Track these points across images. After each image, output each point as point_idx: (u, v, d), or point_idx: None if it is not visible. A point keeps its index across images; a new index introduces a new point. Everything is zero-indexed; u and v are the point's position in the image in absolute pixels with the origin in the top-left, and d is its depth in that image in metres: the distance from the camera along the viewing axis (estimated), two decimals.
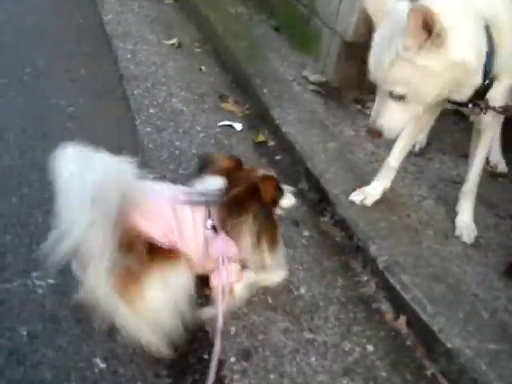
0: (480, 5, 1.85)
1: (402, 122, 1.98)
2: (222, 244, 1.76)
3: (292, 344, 1.88)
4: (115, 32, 3.85)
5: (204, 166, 1.85)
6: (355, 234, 2.28)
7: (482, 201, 2.50)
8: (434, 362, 1.86)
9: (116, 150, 2.64)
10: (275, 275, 2.02)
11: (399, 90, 1.85)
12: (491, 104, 2.00)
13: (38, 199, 2.27)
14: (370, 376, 1.81)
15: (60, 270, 1.93)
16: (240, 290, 1.87)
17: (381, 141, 2.61)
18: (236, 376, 1.75)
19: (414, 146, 2.82)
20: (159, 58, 3.61)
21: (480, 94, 1.97)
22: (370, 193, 2.41)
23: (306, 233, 2.38)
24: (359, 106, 3.17)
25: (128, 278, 1.61)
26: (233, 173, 1.81)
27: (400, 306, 2.01)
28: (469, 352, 1.78)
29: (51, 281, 1.93)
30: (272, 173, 1.99)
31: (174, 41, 3.85)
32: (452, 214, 2.43)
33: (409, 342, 1.94)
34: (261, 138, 2.93)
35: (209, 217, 1.77)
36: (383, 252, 2.15)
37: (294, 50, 3.65)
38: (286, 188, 1.96)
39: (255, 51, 3.57)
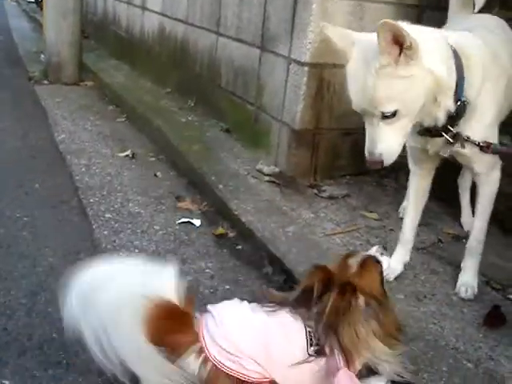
0: (450, 35, 1.98)
1: (399, 143, 1.92)
2: (349, 380, 1.45)
3: None
4: (69, 149, 3.88)
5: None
6: None
7: (448, 262, 2.51)
8: None
9: (73, 253, 2.63)
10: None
11: (390, 107, 1.82)
12: (469, 135, 2.02)
13: None
14: None
15: (15, 371, 1.84)
16: None
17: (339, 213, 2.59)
18: None
19: None
20: (114, 168, 3.63)
21: (453, 120, 2.00)
22: (392, 269, 2.33)
23: None
24: (315, 191, 3.21)
25: None
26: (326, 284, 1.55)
27: None
28: None
29: None
30: (368, 253, 1.71)
31: (128, 152, 3.90)
32: (421, 277, 2.41)
33: None
34: (221, 231, 2.90)
35: (310, 341, 1.53)
36: None
37: (246, 148, 3.74)
38: (378, 255, 1.71)
39: (208, 153, 3.64)
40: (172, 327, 1.45)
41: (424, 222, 2.84)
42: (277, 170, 3.35)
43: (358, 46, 1.88)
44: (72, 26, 5.80)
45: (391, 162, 1.94)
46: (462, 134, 2.03)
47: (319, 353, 1.50)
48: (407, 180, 2.46)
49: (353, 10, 3.16)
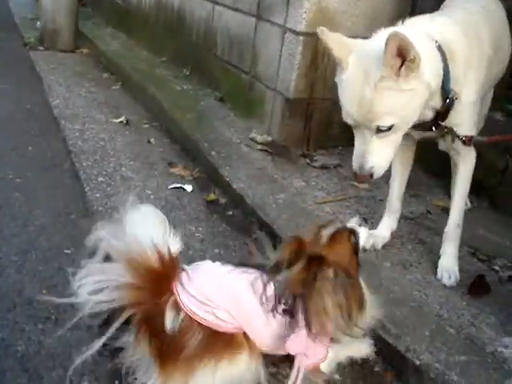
0: (432, 30, 1.93)
1: (391, 156, 1.90)
2: (300, 342, 1.50)
3: None
4: (63, 114, 3.88)
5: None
6: None
7: (435, 233, 2.53)
8: (405, 382, 1.79)
9: (65, 214, 2.64)
10: (361, 347, 1.80)
11: (388, 121, 1.79)
12: (456, 127, 2.03)
13: None
14: None
15: (5, 324, 1.86)
16: (325, 367, 1.64)
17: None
18: None
19: None
20: (107, 134, 3.63)
21: (442, 115, 2.00)
22: (379, 236, 2.40)
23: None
24: (307, 160, 3.22)
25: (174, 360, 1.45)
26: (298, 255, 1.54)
27: None
28: (438, 366, 1.72)
29: None
30: (343, 225, 1.69)
31: (122, 119, 3.89)
32: (408, 246, 2.44)
33: (377, 368, 1.86)
34: (212, 197, 2.92)
35: (279, 300, 1.54)
36: None
37: (240, 116, 3.74)
38: (356, 226, 1.69)
39: (202, 121, 3.64)
40: (151, 279, 1.47)
41: (414, 194, 2.88)
42: (270, 138, 3.35)
43: (355, 55, 1.82)
44: None
45: (381, 175, 1.92)
46: (452, 129, 2.03)
47: (286, 312, 1.54)
48: None
49: None
